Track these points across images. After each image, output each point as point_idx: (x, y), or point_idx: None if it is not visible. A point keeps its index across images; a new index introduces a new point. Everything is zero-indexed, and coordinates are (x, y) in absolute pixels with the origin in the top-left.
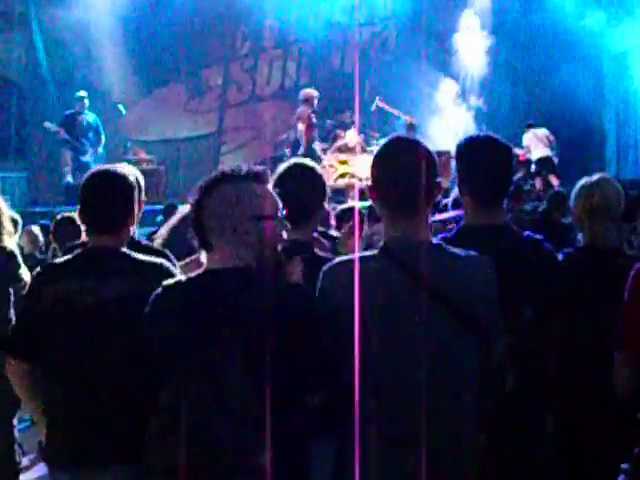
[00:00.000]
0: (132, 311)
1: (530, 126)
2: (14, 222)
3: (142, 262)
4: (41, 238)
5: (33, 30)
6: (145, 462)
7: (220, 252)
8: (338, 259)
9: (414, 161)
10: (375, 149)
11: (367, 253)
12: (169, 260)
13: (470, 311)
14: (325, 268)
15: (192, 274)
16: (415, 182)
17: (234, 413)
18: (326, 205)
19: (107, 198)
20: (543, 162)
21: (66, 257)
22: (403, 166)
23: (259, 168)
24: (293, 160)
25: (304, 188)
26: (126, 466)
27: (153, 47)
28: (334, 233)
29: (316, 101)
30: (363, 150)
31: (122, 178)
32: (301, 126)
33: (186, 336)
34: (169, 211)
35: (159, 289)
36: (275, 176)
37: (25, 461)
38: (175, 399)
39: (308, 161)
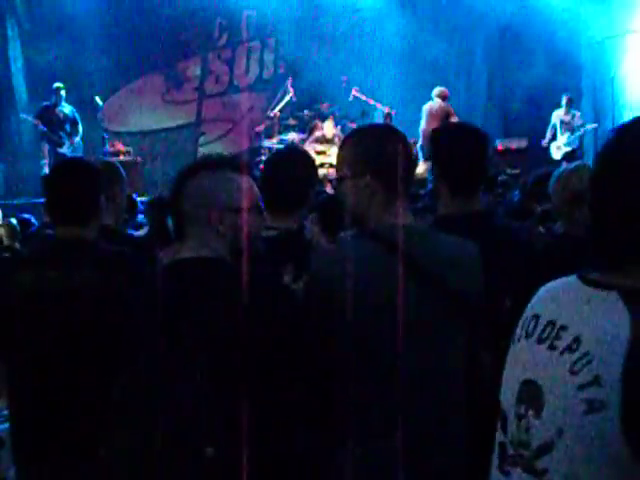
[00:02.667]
0: (98, 301)
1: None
2: None
3: (108, 252)
4: (18, 231)
5: (10, 22)
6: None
7: (192, 241)
8: (327, 247)
9: (402, 146)
10: None
11: (355, 240)
12: (145, 250)
13: (459, 294)
14: (316, 254)
15: (163, 263)
16: (402, 167)
17: (199, 412)
18: (330, 190)
19: (70, 189)
20: None
21: (32, 249)
22: (394, 152)
23: (240, 157)
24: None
25: (289, 176)
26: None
27: (130, 38)
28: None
29: None
30: (340, 140)
31: (85, 169)
32: None
33: (151, 328)
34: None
35: (126, 279)
36: (267, 162)
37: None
38: (133, 392)
39: (296, 148)
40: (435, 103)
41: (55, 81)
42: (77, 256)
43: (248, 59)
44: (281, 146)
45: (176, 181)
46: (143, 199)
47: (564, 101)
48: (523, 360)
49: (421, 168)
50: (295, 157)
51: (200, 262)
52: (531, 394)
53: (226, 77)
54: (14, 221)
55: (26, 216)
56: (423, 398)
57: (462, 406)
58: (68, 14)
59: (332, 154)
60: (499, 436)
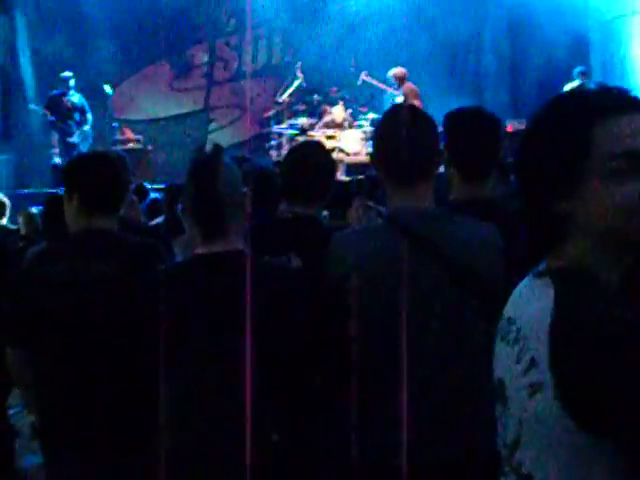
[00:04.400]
0: (122, 293)
1: None
2: (2, 205)
3: (132, 243)
4: (38, 220)
5: (17, 12)
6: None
7: (232, 234)
8: (345, 230)
9: (417, 130)
10: (362, 123)
11: (372, 224)
12: (161, 240)
13: (477, 277)
14: (333, 240)
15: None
16: (418, 150)
17: (231, 396)
18: (339, 176)
19: (103, 178)
20: None
21: (57, 241)
22: (406, 135)
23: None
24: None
25: (311, 166)
26: (128, 457)
27: (137, 26)
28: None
29: None
30: (350, 125)
31: (112, 160)
32: None
33: (191, 320)
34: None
35: (157, 272)
36: (288, 153)
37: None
38: (177, 386)
39: (318, 141)
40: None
41: (63, 70)
42: (102, 247)
43: (256, 45)
44: (291, 131)
45: (200, 175)
46: (154, 187)
47: (578, 74)
48: (496, 360)
49: None
50: (318, 149)
51: (229, 256)
52: (501, 392)
53: (234, 64)
54: (34, 210)
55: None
56: (439, 383)
57: (480, 392)
58: (75, 3)
59: (342, 138)
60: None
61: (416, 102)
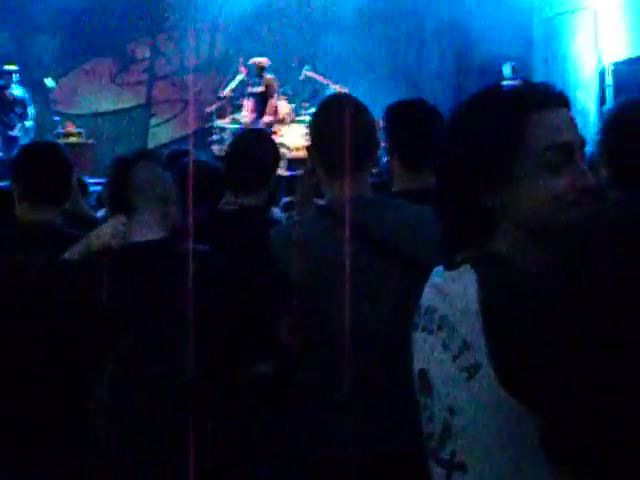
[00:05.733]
0: (64, 284)
1: None
2: None
3: (73, 236)
4: None
5: None
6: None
7: (143, 224)
8: (285, 223)
9: (352, 120)
10: (305, 118)
11: (307, 215)
12: None
13: (416, 260)
14: (271, 232)
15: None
16: (352, 141)
17: (175, 392)
18: (281, 172)
19: (48, 170)
20: None
21: None
22: (340, 125)
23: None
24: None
25: (252, 155)
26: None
27: (80, 20)
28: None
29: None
30: (293, 120)
31: (60, 150)
32: None
33: (126, 308)
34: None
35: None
36: (233, 142)
37: None
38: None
39: (264, 129)
40: None
41: (4, 64)
42: (47, 241)
43: (198, 40)
44: (234, 126)
45: (121, 168)
46: (94, 181)
47: (508, 70)
48: (416, 351)
49: None
50: (263, 139)
51: (155, 244)
52: (424, 383)
53: (176, 58)
54: None
55: None
56: (376, 367)
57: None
58: None
59: (285, 134)
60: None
61: (274, 97)
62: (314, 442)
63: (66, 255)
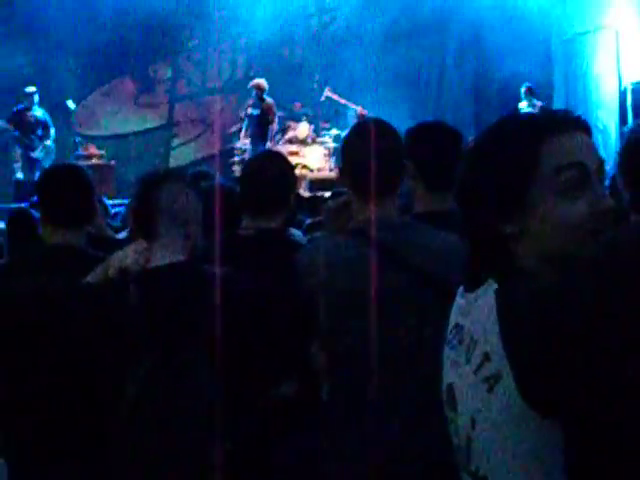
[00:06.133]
0: (85, 306)
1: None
2: None
3: (97, 258)
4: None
5: None
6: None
7: (166, 247)
8: (312, 243)
9: (382, 143)
10: (325, 140)
11: (340, 236)
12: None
13: (440, 283)
14: (299, 253)
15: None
16: (383, 164)
17: (194, 412)
18: (302, 192)
19: (70, 192)
20: None
21: (19, 257)
22: (371, 148)
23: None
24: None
25: (268, 177)
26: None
27: (101, 42)
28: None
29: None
30: (314, 141)
31: (82, 173)
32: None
33: (146, 332)
34: None
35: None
36: (248, 164)
37: None
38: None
39: (278, 151)
40: None
41: (26, 86)
42: (67, 262)
43: (220, 60)
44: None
45: (147, 189)
46: (116, 202)
47: (523, 91)
48: (446, 368)
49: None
50: (276, 160)
51: (179, 266)
52: (451, 397)
53: (198, 79)
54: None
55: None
56: (406, 387)
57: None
58: (39, 17)
59: (306, 154)
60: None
61: (274, 122)
62: (326, 456)
63: (88, 278)
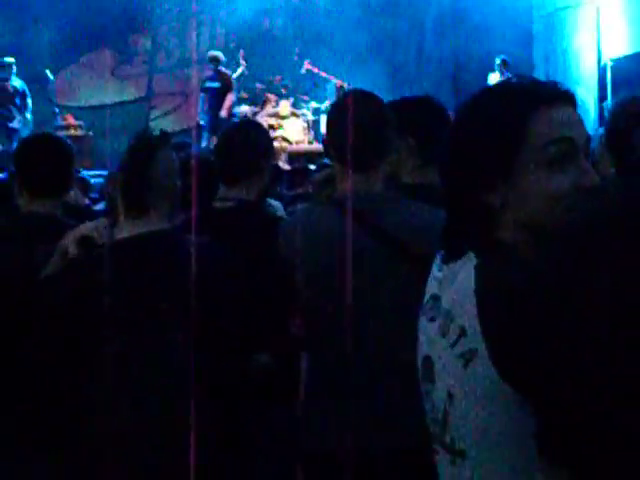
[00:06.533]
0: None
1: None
2: None
3: (72, 227)
4: None
5: None
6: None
7: (158, 215)
8: (292, 215)
9: (367, 114)
10: (305, 112)
11: (318, 207)
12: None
13: (425, 257)
14: (281, 224)
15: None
16: (368, 135)
17: (169, 384)
18: (282, 164)
19: (48, 161)
20: None
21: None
22: (356, 119)
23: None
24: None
25: (241, 143)
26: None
27: (80, 13)
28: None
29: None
30: (293, 114)
31: (61, 143)
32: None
33: (125, 302)
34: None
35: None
36: (221, 133)
37: None
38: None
39: (251, 119)
40: None
41: (4, 56)
42: (43, 231)
43: (199, 33)
44: (234, 119)
45: (138, 156)
46: (93, 173)
47: (498, 63)
48: (421, 338)
49: None
50: (247, 127)
51: (160, 234)
52: (429, 369)
53: (177, 51)
54: None
55: None
56: (389, 366)
57: None
58: None
59: (285, 127)
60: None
61: (232, 93)
62: (305, 435)
63: (47, 270)
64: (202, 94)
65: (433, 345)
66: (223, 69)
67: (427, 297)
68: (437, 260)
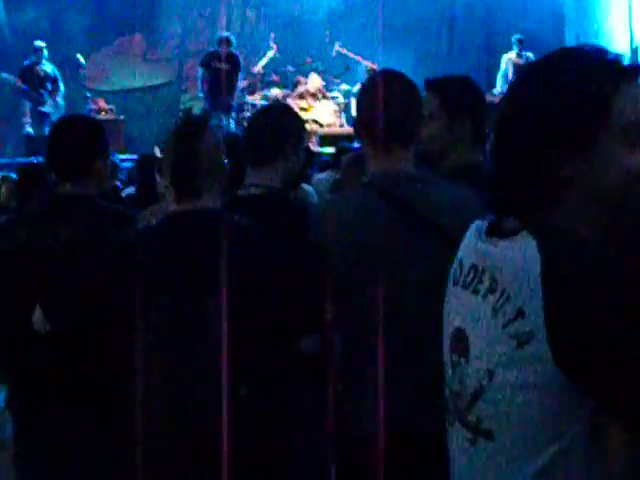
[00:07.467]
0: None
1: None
2: None
3: (104, 209)
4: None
5: None
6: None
7: (210, 195)
8: (322, 200)
9: (395, 95)
10: (336, 94)
11: (351, 190)
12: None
13: (449, 238)
14: (312, 210)
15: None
16: (398, 116)
17: (213, 365)
18: (313, 147)
19: (72, 142)
20: None
21: (29, 209)
22: (386, 100)
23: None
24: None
25: (263, 126)
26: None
27: None
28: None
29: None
30: (324, 96)
31: (83, 124)
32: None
33: (156, 278)
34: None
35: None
36: (250, 116)
37: None
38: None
39: (282, 102)
40: None
41: (36, 40)
42: (76, 211)
43: (229, 15)
44: (264, 102)
45: (186, 136)
46: (125, 157)
47: (516, 42)
48: (454, 308)
49: None
50: (275, 109)
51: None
52: (461, 342)
53: (207, 34)
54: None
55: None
56: (422, 349)
57: None
58: None
59: (315, 110)
60: (444, 389)
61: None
62: (339, 419)
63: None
64: (202, 70)
65: (472, 318)
66: (235, 52)
67: (465, 266)
68: (474, 230)
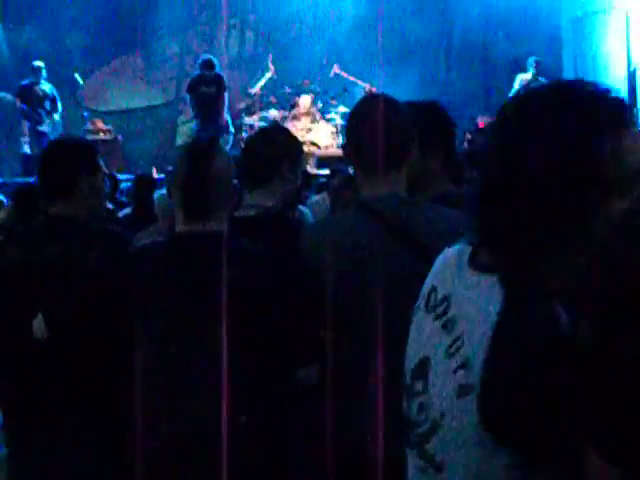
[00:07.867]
0: (80, 272)
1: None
2: None
3: (95, 230)
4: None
5: None
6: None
7: (217, 218)
8: (317, 221)
9: (385, 119)
10: (334, 116)
11: (343, 212)
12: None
13: None
14: (304, 231)
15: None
16: (386, 139)
17: (200, 375)
18: (310, 169)
19: (55, 163)
20: None
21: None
22: (374, 124)
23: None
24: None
25: (261, 146)
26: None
27: (110, 17)
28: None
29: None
30: (322, 118)
31: (68, 145)
32: None
33: (155, 297)
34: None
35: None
36: (246, 139)
37: None
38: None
39: (279, 125)
40: None
41: (34, 60)
42: (63, 233)
43: (228, 37)
44: (262, 123)
45: (198, 159)
46: (124, 177)
47: (532, 64)
48: (425, 334)
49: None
50: (270, 132)
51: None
52: (423, 371)
53: (205, 55)
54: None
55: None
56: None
57: None
58: None
59: (314, 131)
60: (404, 411)
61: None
62: (337, 433)
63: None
64: (190, 96)
65: (436, 352)
66: (219, 74)
67: (439, 295)
68: (454, 255)
